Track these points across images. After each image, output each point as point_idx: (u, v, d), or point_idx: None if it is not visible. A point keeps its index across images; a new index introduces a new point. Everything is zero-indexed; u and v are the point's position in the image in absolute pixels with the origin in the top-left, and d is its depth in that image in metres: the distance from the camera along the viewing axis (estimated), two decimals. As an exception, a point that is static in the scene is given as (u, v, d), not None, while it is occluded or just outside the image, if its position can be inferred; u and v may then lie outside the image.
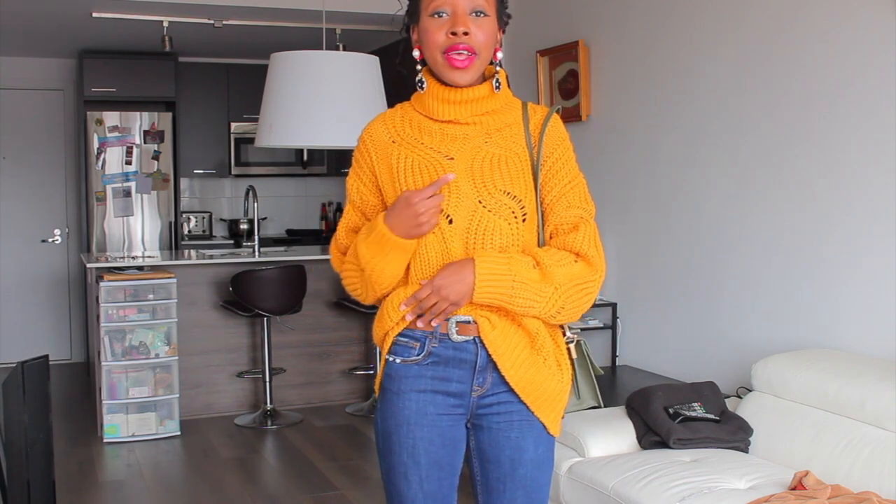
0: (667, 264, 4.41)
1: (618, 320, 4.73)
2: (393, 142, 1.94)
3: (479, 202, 1.87)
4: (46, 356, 3.22)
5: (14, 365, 3.09)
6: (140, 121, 7.10)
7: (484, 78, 1.95)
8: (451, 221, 1.86)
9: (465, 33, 1.84)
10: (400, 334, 1.93)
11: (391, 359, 1.94)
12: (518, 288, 1.83)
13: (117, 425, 5.15)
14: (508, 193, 1.88)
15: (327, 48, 5.33)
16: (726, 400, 3.49)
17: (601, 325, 4.76)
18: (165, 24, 5.92)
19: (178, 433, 5.26)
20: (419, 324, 1.88)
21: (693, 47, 4.20)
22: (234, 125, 7.70)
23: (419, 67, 1.94)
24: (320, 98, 4.65)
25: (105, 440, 5.14)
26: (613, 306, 4.73)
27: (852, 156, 3.41)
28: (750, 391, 3.43)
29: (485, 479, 1.96)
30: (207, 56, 7.56)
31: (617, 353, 4.74)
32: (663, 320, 4.44)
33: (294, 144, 4.86)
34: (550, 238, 1.94)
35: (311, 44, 5.82)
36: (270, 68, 4.82)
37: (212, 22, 5.92)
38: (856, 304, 3.41)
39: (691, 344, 4.25)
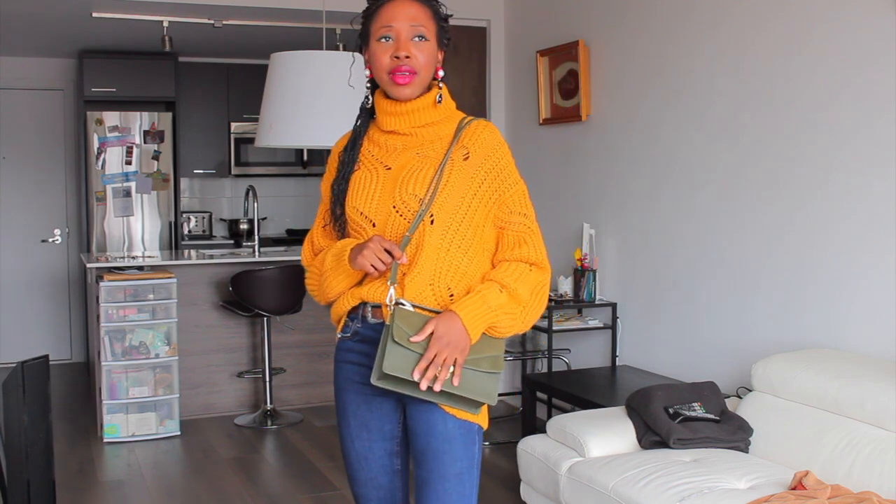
0: (667, 264, 4.41)
1: (618, 320, 4.73)
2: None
3: (393, 207, 2.07)
4: (46, 356, 3.22)
5: (14, 365, 3.09)
6: (140, 121, 7.09)
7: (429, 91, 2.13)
8: (374, 225, 2.08)
9: (407, 56, 2.04)
10: (347, 315, 2.16)
11: (339, 335, 2.19)
12: (499, 315, 2.04)
13: (117, 425, 5.16)
14: (416, 196, 2.05)
15: (327, 48, 5.33)
16: (726, 400, 3.49)
17: (601, 325, 4.76)
18: (165, 24, 5.91)
19: (178, 433, 5.26)
20: (433, 386, 1.96)
21: (693, 47, 4.20)
22: (234, 125, 7.69)
23: (369, 86, 2.15)
24: (320, 98, 4.65)
25: (105, 440, 5.14)
26: (613, 306, 4.73)
27: (852, 155, 3.41)
28: (750, 391, 3.43)
29: (412, 448, 2.13)
30: (207, 56, 7.55)
31: (617, 353, 4.74)
32: (663, 320, 4.44)
33: (294, 144, 4.85)
34: (499, 249, 2.12)
35: (311, 44, 5.81)
36: (270, 68, 4.81)
37: (212, 22, 5.91)
38: (856, 305, 3.41)
39: (691, 344, 4.25)
